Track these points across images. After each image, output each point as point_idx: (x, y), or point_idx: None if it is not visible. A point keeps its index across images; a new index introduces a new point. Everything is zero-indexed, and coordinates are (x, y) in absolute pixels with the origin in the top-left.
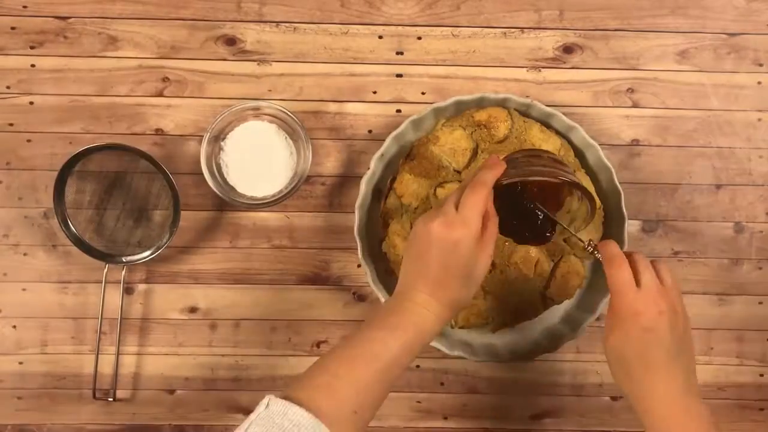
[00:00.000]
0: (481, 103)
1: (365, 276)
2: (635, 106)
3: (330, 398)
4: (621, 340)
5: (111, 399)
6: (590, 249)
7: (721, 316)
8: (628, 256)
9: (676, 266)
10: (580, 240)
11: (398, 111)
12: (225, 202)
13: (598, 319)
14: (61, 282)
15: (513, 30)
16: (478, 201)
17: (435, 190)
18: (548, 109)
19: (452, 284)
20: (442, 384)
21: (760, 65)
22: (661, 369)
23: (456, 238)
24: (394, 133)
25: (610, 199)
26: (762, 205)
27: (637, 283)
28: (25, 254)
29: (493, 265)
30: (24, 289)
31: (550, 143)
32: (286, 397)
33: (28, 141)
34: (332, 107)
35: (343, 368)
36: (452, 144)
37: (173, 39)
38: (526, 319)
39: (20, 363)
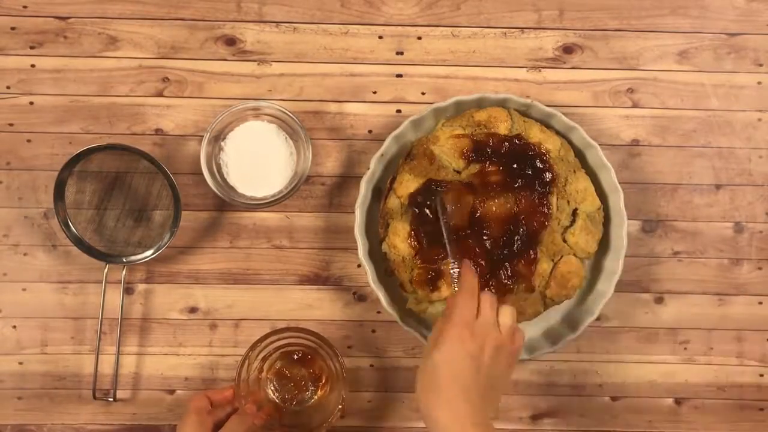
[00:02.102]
0: (481, 103)
1: (365, 276)
2: (635, 106)
3: None
4: (443, 356)
5: (111, 399)
6: (454, 270)
7: (721, 316)
8: (481, 292)
9: (676, 266)
10: (451, 261)
11: (398, 111)
12: (225, 202)
13: (598, 319)
14: (61, 282)
15: (513, 30)
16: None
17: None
18: (548, 109)
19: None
20: None
21: (760, 65)
22: (473, 396)
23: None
24: (394, 133)
25: (610, 199)
26: (762, 205)
27: (478, 312)
28: (25, 254)
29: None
30: (24, 289)
31: (550, 143)
32: None
33: (28, 141)
34: (332, 107)
35: None
36: (452, 144)
37: (173, 39)
38: (526, 319)
39: (20, 363)
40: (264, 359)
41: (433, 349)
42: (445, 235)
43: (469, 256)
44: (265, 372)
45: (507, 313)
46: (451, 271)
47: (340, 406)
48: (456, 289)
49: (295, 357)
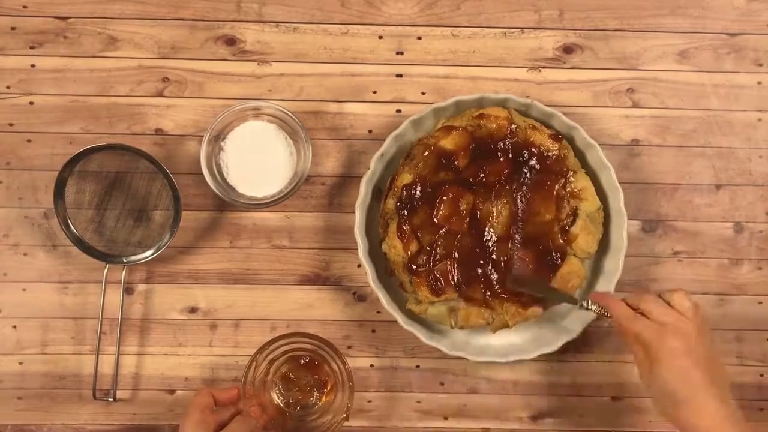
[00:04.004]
0: (481, 103)
1: (365, 276)
2: (635, 106)
3: None
4: (664, 372)
5: (111, 399)
6: (595, 309)
7: (721, 316)
8: (641, 296)
9: (676, 266)
10: (585, 307)
11: (398, 111)
12: (225, 202)
13: (597, 319)
14: (61, 282)
15: (513, 30)
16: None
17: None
18: (548, 109)
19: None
20: (442, 384)
21: (760, 65)
22: (704, 388)
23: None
24: (394, 133)
25: (610, 199)
26: (762, 205)
27: (656, 318)
28: (25, 254)
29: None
30: (24, 289)
31: (549, 143)
32: None
33: (28, 141)
34: (332, 107)
35: None
36: (452, 144)
37: (173, 39)
38: (526, 319)
39: (20, 363)
40: (271, 362)
41: (656, 367)
42: (556, 300)
43: (470, 258)
44: (272, 375)
45: (680, 297)
46: (595, 312)
47: (344, 414)
48: (612, 320)
49: (302, 362)
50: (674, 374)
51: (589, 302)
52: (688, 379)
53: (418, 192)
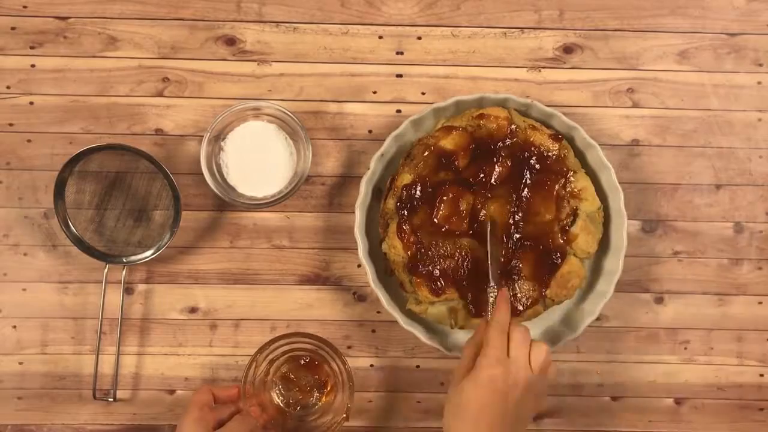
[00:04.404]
0: (481, 103)
1: (365, 276)
2: (635, 106)
3: None
4: (475, 388)
5: (111, 399)
6: (492, 295)
7: (721, 316)
8: (512, 326)
9: (676, 266)
10: (489, 287)
11: (398, 111)
12: (225, 202)
13: (598, 319)
14: (61, 282)
15: (513, 30)
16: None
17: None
18: (548, 109)
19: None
20: (442, 384)
21: (760, 65)
22: (497, 430)
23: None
24: (394, 133)
25: (610, 199)
26: (762, 205)
27: (509, 350)
28: (25, 254)
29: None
30: (24, 289)
31: (549, 143)
32: None
33: (28, 141)
34: (332, 107)
35: None
36: (452, 144)
37: (173, 39)
38: (526, 319)
39: (20, 363)
40: (271, 362)
41: (462, 380)
42: (489, 257)
43: (470, 258)
44: (272, 375)
45: (539, 352)
46: (489, 296)
47: (344, 415)
48: (489, 317)
49: (303, 362)
50: (474, 398)
51: (493, 289)
52: (480, 412)
53: (418, 192)
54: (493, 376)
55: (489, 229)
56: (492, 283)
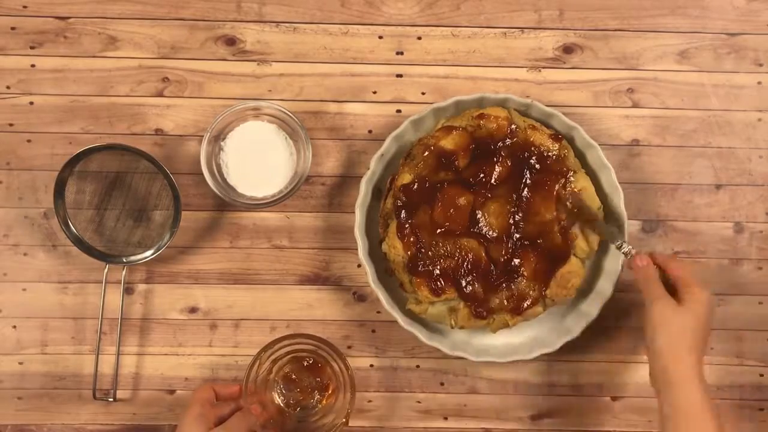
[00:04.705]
0: (481, 103)
1: (365, 276)
2: (635, 106)
3: None
4: (691, 320)
5: (111, 399)
6: (627, 252)
7: (721, 316)
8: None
9: None
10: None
11: (398, 111)
12: (225, 202)
13: (598, 319)
14: (61, 282)
15: (513, 30)
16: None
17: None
18: (548, 109)
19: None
20: (442, 384)
21: (760, 65)
22: (702, 355)
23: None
24: (394, 133)
25: (610, 199)
26: (762, 205)
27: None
28: (25, 254)
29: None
30: (24, 289)
31: (549, 143)
32: None
33: (28, 141)
34: (332, 107)
35: None
36: (452, 144)
37: (173, 39)
38: (526, 319)
39: (20, 363)
40: (274, 362)
41: (664, 305)
42: (606, 234)
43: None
44: (274, 374)
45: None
46: (626, 252)
47: (344, 419)
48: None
49: (305, 363)
50: (696, 320)
51: (627, 245)
52: (698, 330)
53: (418, 192)
54: (708, 310)
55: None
56: (621, 240)
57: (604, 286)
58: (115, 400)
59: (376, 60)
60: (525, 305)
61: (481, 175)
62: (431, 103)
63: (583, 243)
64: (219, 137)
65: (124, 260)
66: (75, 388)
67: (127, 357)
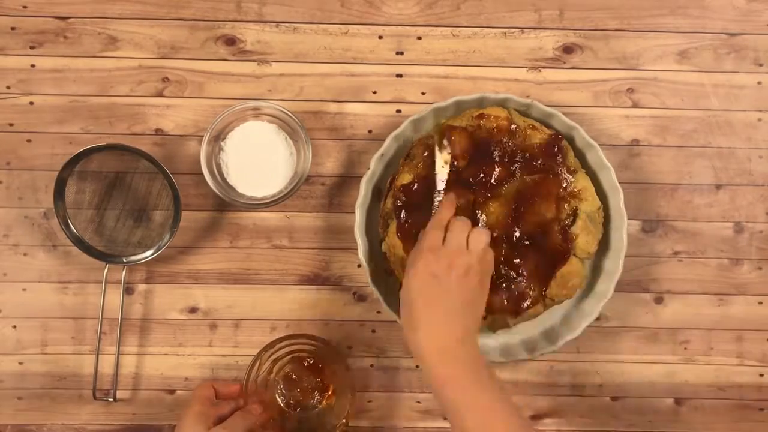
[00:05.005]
0: (481, 103)
1: (365, 276)
2: (635, 106)
3: None
4: (411, 284)
5: (111, 399)
6: (437, 201)
7: (721, 316)
8: (452, 218)
9: (676, 266)
10: (436, 192)
11: (398, 111)
12: (225, 202)
13: (598, 319)
14: (61, 282)
15: (513, 30)
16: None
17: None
18: (548, 109)
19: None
20: None
21: (760, 65)
22: (441, 315)
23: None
24: (394, 133)
25: (610, 199)
26: (762, 205)
27: (445, 238)
28: (25, 254)
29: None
30: (24, 289)
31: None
32: None
33: (28, 141)
34: (332, 107)
35: None
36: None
37: (173, 39)
38: (526, 319)
39: (20, 363)
40: (275, 361)
41: (405, 277)
42: (437, 166)
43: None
44: (275, 374)
45: (478, 237)
46: (435, 203)
47: (344, 420)
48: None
49: (306, 364)
50: (412, 286)
51: (439, 194)
52: (417, 298)
53: (417, 192)
54: (426, 259)
55: (437, 139)
56: (438, 188)
57: (604, 286)
58: (115, 400)
59: (376, 60)
60: (525, 305)
61: (481, 175)
62: (431, 103)
63: (583, 243)
64: (219, 137)
65: (124, 260)
66: (75, 388)
67: (127, 357)
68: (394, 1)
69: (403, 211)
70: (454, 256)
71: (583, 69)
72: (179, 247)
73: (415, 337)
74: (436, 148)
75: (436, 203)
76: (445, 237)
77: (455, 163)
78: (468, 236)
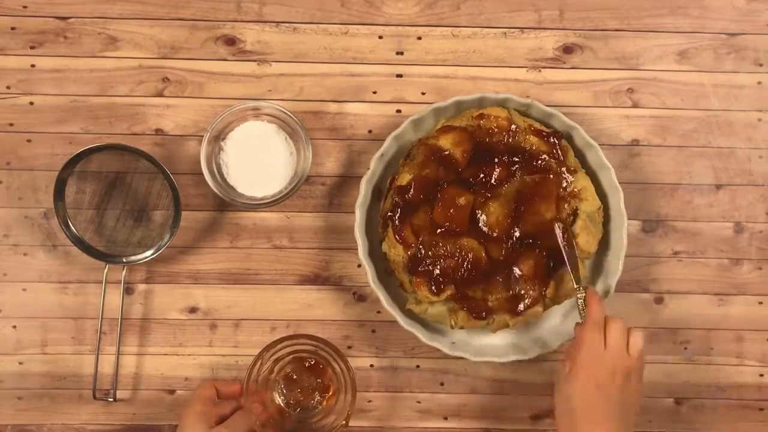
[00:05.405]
0: (481, 103)
1: (365, 276)
2: (635, 106)
3: None
4: (575, 390)
5: (111, 399)
6: (581, 298)
7: (721, 316)
8: (607, 318)
9: (676, 266)
10: (576, 288)
11: (398, 111)
12: (225, 202)
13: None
14: (61, 282)
15: (513, 30)
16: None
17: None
18: (548, 109)
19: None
20: (442, 384)
21: (760, 65)
22: (603, 425)
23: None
24: (394, 133)
25: (610, 199)
26: (762, 205)
27: (606, 342)
28: (25, 254)
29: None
30: (24, 289)
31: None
32: None
33: (28, 141)
34: (332, 107)
35: None
36: (452, 144)
37: (173, 39)
38: (526, 319)
39: (20, 363)
40: (276, 361)
41: (565, 383)
42: (568, 262)
43: (470, 258)
44: (275, 374)
45: (637, 340)
46: (577, 299)
47: (344, 420)
48: (582, 318)
49: (307, 364)
50: (578, 396)
51: (582, 290)
52: (585, 410)
53: (411, 193)
54: (590, 372)
55: (561, 232)
56: (577, 286)
57: (604, 286)
58: (115, 400)
59: (376, 60)
60: (525, 305)
61: (481, 175)
62: (431, 103)
63: (583, 243)
64: (219, 137)
65: (124, 260)
66: (75, 388)
67: (127, 357)
68: (394, 1)
69: (398, 210)
70: (617, 361)
71: (583, 69)
72: (179, 247)
73: None
74: (561, 240)
75: (579, 300)
76: (605, 339)
77: (456, 163)
78: (627, 339)
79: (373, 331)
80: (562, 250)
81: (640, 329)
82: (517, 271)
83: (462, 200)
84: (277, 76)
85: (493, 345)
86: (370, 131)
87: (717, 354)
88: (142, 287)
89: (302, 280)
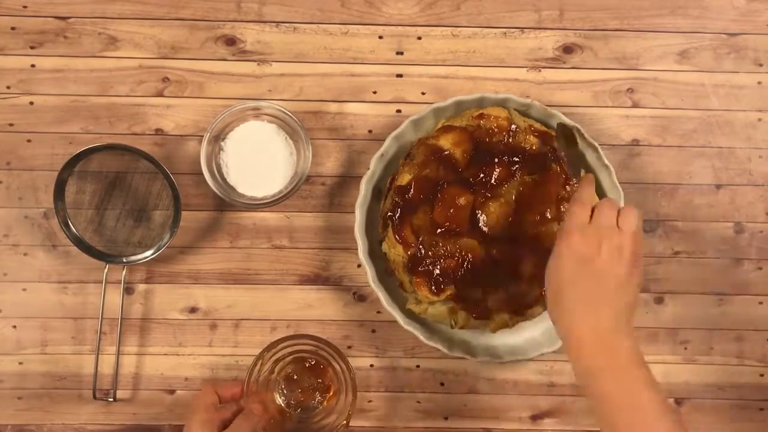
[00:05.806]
0: (481, 103)
1: (365, 276)
2: (635, 106)
3: None
4: (559, 265)
5: (111, 399)
6: (573, 181)
7: (721, 316)
8: (600, 201)
9: (676, 266)
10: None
11: (398, 111)
12: (225, 202)
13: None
14: (61, 282)
15: (513, 30)
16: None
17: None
18: (548, 109)
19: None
20: (442, 384)
21: (760, 65)
22: (592, 303)
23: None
24: (394, 133)
25: None
26: (762, 205)
27: (592, 217)
28: (25, 254)
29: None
30: (24, 289)
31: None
32: None
33: (28, 141)
34: (332, 107)
35: None
36: (452, 144)
37: (173, 39)
38: (526, 319)
39: (20, 363)
40: (276, 362)
41: (549, 262)
42: (565, 158)
43: (470, 258)
44: (276, 374)
45: (630, 214)
46: (574, 187)
47: (344, 421)
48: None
49: (308, 364)
50: (560, 269)
51: (580, 172)
52: (574, 284)
53: (411, 193)
54: (570, 242)
55: (559, 132)
56: (573, 180)
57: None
58: (115, 400)
59: (376, 60)
60: (525, 305)
61: (481, 175)
62: (431, 103)
63: None
64: (219, 137)
65: (124, 260)
66: (75, 388)
67: (127, 357)
68: (394, 1)
69: (398, 210)
70: (605, 235)
71: (583, 69)
72: (179, 247)
73: (563, 325)
74: (559, 140)
75: (576, 187)
76: (592, 215)
77: (456, 163)
78: (618, 215)
79: (373, 331)
80: (561, 150)
81: (636, 209)
82: (517, 271)
83: (462, 200)
84: (277, 76)
85: (493, 345)
86: (370, 131)
87: (717, 354)
88: (142, 287)
89: (302, 280)
